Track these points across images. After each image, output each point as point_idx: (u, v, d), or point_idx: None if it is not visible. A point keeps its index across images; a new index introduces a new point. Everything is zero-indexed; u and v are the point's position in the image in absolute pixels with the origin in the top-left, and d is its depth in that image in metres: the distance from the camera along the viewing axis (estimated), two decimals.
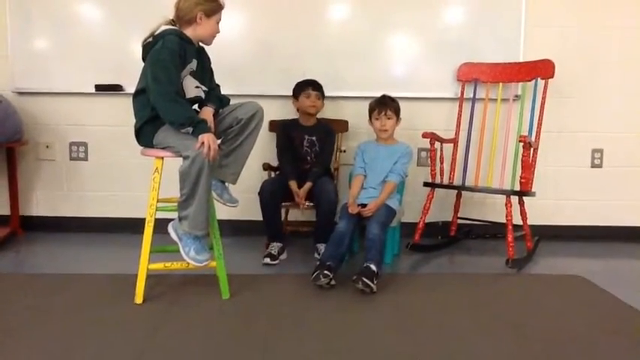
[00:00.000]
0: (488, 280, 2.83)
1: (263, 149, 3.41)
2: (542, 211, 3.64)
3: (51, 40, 3.58)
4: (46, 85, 3.59)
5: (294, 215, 3.54)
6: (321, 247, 3.03)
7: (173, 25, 2.45)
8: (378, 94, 3.16)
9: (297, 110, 3.36)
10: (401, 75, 3.65)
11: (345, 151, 3.53)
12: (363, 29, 3.60)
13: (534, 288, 2.71)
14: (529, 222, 3.33)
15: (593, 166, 3.76)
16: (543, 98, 3.35)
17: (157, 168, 2.38)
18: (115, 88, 3.55)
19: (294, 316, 2.27)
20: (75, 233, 3.63)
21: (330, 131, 3.36)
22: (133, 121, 2.45)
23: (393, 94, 3.16)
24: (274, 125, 3.48)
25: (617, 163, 3.74)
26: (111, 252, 3.30)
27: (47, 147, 3.69)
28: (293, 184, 3.13)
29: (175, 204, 2.38)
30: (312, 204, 3.14)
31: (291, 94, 3.35)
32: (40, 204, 3.74)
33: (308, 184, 3.13)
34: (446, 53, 3.61)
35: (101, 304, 2.37)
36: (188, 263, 2.36)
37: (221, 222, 2.53)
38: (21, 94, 3.60)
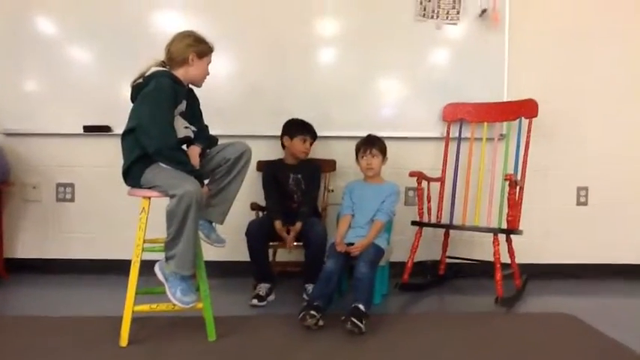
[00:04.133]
0: (478, 319, 2.81)
1: (250, 189, 3.41)
2: (529, 249, 3.64)
3: (39, 82, 3.61)
4: (33, 127, 3.60)
5: (283, 256, 3.52)
6: (310, 287, 3.00)
7: (163, 67, 2.48)
8: (365, 134, 3.19)
9: (284, 148, 3.38)
10: (388, 115, 3.70)
11: (332, 191, 3.54)
12: (350, 70, 3.66)
13: (525, 327, 2.69)
14: (517, 260, 3.34)
15: (579, 203, 3.80)
16: (528, 137, 3.39)
17: (143, 208, 2.37)
18: (103, 129, 3.56)
19: (282, 358, 2.24)
20: (60, 275, 3.57)
21: (316, 168, 3.38)
22: (121, 162, 2.44)
23: (380, 134, 3.19)
24: (261, 165, 3.48)
25: (602, 200, 3.79)
26: (96, 294, 3.25)
27: (34, 188, 3.67)
28: (278, 224, 3.12)
29: (162, 245, 2.37)
30: (300, 244, 3.13)
31: (278, 134, 3.38)
32: (26, 246, 3.70)
33: (298, 225, 3.11)
34: (432, 94, 3.67)
35: (85, 347, 2.32)
36: (174, 305, 2.32)
37: (208, 263, 2.50)
38: (8, 135, 3.61)
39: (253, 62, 3.64)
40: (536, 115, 3.39)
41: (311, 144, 3.34)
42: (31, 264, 3.66)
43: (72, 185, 3.69)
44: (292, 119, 3.37)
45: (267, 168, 3.37)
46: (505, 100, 3.62)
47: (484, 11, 3.61)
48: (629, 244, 3.80)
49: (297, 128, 3.32)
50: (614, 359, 2.26)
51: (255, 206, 3.34)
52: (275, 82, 3.63)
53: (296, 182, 3.30)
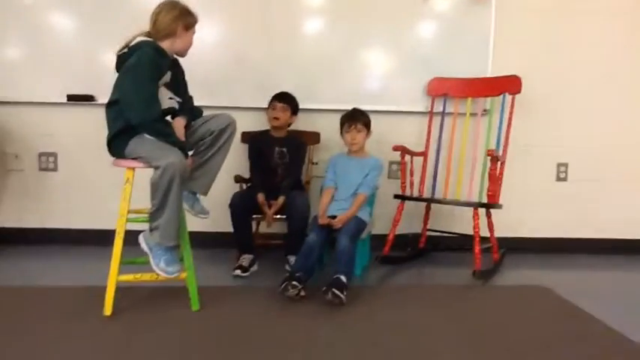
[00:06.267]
0: (455, 291, 2.88)
1: (235, 161, 3.39)
2: (509, 223, 3.71)
3: (22, 49, 3.55)
4: (16, 95, 3.55)
5: (265, 228, 3.54)
6: (292, 258, 3.04)
7: (148, 37, 2.46)
8: (350, 107, 3.20)
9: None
10: (373, 89, 3.71)
11: (317, 163, 3.56)
12: (336, 43, 3.65)
13: (500, 299, 2.77)
14: (496, 234, 3.41)
15: (558, 179, 3.86)
16: (510, 113, 3.43)
17: (127, 179, 2.38)
18: (87, 99, 3.53)
19: (264, 328, 2.28)
20: (43, 245, 3.57)
21: (301, 143, 3.39)
22: (105, 132, 2.44)
23: (364, 108, 3.20)
24: (246, 136, 3.49)
25: (581, 176, 3.86)
26: (80, 264, 3.26)
27: (16, 157, 3.64)
28: (260, 197, 3.14)
29: (146, 215, 2.38)
30: (284, 217, 3.15)
31: (263, 106, 3.39)
32: (8, 215, 3.69)
33: (281, 199, 3.13)
34: (417, 68, 3.68)
35: (70, 316, 2.34)
36: (158, 275, 2.35)
37: (192, 234, 2.53)
38: None
39: (239, 33, 3.61)
40: (519, 92, 3.42)
41: (283, 110, 3.30)
42: (13, 234, 3.65)
43: (55, 155, 3.66)
44: None
45: (253, 140, 3.38)
46: (489, 75, 3.64)
47: None
48: (606, 220, 3.88)
49: (271, 98, 3.33)
50: (586, 331, 2.34)
51: (239, 179, 3.35)
52: (260, 54, 3.61)
53: (280, 155, 3.31)
